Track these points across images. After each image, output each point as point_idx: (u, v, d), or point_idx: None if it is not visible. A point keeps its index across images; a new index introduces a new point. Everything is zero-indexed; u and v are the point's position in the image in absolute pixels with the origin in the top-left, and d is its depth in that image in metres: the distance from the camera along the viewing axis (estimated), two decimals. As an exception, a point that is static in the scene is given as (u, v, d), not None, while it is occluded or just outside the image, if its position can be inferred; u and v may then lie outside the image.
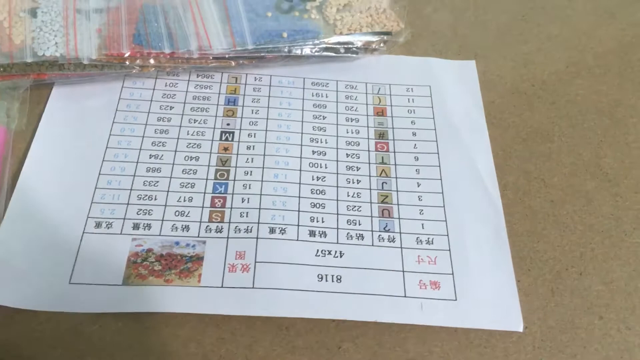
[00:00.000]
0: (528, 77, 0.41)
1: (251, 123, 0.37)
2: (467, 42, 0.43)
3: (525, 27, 0.44)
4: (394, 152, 0.37)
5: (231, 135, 0.36)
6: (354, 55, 0.41)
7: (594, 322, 0.31)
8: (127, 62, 0.37)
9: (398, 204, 0.34)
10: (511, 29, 0.44)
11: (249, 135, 0.36)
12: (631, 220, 0.35)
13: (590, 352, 0.30)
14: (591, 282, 0.32)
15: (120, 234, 0.32)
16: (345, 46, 0.40)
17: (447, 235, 0.33)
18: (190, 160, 0.35)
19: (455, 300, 0.31)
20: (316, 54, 0.40)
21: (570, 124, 0.39)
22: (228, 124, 0.37)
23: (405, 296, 0.31)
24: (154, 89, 0.38)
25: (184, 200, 0.33)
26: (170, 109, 0.37)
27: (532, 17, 0.45)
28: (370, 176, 0.35)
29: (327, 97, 0.39)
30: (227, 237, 0.32)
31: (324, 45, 0.40)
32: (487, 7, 0.45)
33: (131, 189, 0.33)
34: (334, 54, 0.40)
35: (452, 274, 0.32)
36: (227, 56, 0.39)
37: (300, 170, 0.35)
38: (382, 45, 0.41)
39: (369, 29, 0.41)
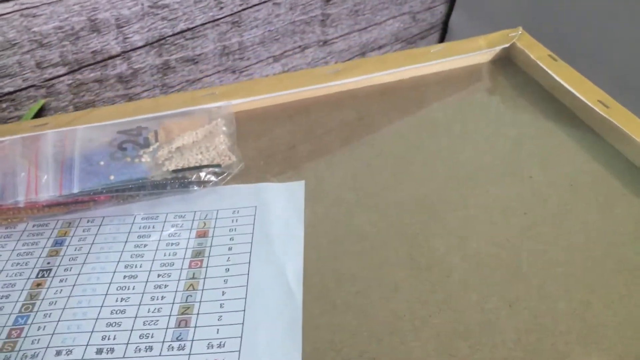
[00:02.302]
0: (354, 188, 0.43)
1: (71, 259, 0.38)
2: (301, 166, 0.46)
3: (356, 147, 0.47)
4: (207, 267, 0.37)
5: (48, 272, 0.38)
6: (187, 189, 0.43)
7: (383, 405, 0.29)
8: (-42, 219, 0.40)
9: (198, 314, 0.34)
10: (343, 149, 0.47)
11: (65, 270, 0.38)
12: (437, 302, 0.34)
13: None
14: (384, 365, 0.31)
15: None
16: (171, 182, 0.43)
17: (241, 337, 0.32)
18: (0, 299, 0.36)
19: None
20: (144, 192, 0.42)
21: (389, 223, 0.40)
22: (49, 263, 0.38)
23: (179, 402, 0.29)
24: (-13, 242, 0.40)
25: (-20, 336, 0.33)
26: (-3, 257, 0.39)
27: (363, 137, 0.48)
28: (176, 291, 0.36)
29: (153, 227, 0.41)
30: (11, 365, 0.31)
31: (151, 184, 0.42)
32: (322, 133, 0.49)
33: None
34: (162, 190, 0.43)
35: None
36: (57, 202, 0.41)
37: (106, 294, 0.36)
38: (213, 177, 0.44)
39: (197, 164, 0.44)
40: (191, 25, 0.60)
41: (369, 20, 0.73)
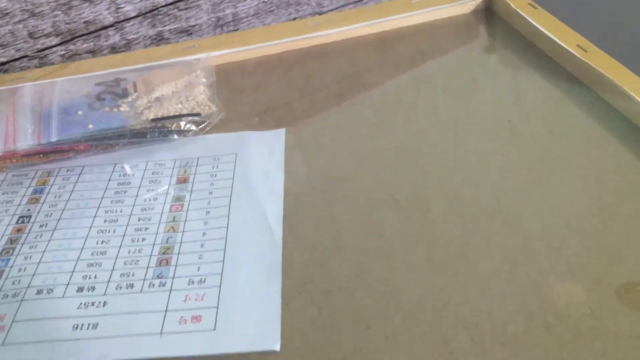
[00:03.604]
0: (336, 136, 0.43)
1: (51, 206, 0.38)
2: (281, 114, 0.46)
3: (338, 97, 0.47)
4: (187, 210, 0.37)
5: (27, 218, 0.37)
6: (167, 139, 0.43)
7: (360, 333, 0.29)
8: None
9: (179, 253, 0.34)
10: (324, 101, 0.47)
11: (45, 215, 0.38)
12: (416, 238, 0.34)
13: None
14: (361, 298, 0.31)
15: None
16: (151, 131, 0.43)
17: (221, 273, 0.33)
18: (-21, 244, 0.36)
19: (214, 330, 0.30)
20: (122, 140, 0.42)
21: (371, 168, 0.40)
22: (28, 210, 0.38)
23: (160, 333, 0.30)
24: (-34, 191, 0.40)
25: (-40, 278, 0.33)
26: (-24, 205, 0.39)
27: (345, 87, 0.48)
28: (157, 233, 0.36)
29: (133, 175, 0.41)
30: (-8, 304, 0.32)
31: (130, 132, 0.42)
32: (304, 83, 0.49)
33: None
34: (141, 139, 0.43)
35: (217, 307, 0.31)
36: (36, 152, 0.41)
37: (87, 237, 0.36)
38: (193, 126, 0.44)
39: (177, 113, 0.44)
40: (185, -5, 0.59)
41: (365, -7, 0.71)
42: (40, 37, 0.54)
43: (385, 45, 0.53)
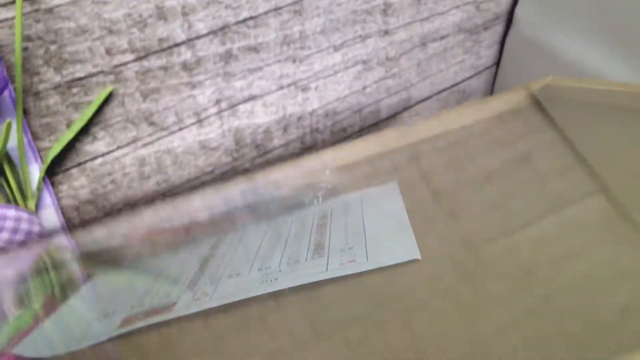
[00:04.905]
0: (437, 183, 0.54)
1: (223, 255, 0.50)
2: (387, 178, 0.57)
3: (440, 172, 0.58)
4: (330, 230, 0.48)
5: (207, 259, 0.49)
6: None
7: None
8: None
9: (329, 245, 0.44)
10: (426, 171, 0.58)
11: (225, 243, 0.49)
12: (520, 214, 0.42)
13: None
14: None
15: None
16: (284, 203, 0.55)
17: (365, 247, 0.42)
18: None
19: (367, 262, 0.38)
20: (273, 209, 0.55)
21: (474, 186, 0.50)
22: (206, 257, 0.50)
23: (327, 270, 0.39)
24: None
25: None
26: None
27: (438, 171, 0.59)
28: (309, 241, 0.46)
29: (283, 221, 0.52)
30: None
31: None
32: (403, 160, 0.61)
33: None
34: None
35: (366, 255, 0.40)
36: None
37: (258, 249, 0.46)
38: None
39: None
40: (254, 14, 0.58)
41: (431, 10, 0.69)
42: (116, 53, 0.55)
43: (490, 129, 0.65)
